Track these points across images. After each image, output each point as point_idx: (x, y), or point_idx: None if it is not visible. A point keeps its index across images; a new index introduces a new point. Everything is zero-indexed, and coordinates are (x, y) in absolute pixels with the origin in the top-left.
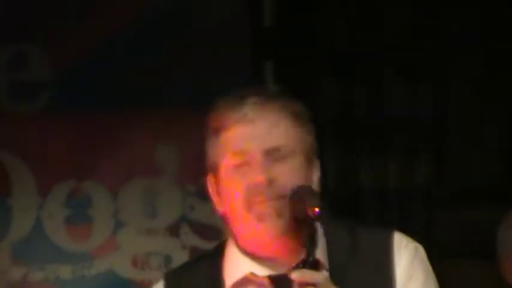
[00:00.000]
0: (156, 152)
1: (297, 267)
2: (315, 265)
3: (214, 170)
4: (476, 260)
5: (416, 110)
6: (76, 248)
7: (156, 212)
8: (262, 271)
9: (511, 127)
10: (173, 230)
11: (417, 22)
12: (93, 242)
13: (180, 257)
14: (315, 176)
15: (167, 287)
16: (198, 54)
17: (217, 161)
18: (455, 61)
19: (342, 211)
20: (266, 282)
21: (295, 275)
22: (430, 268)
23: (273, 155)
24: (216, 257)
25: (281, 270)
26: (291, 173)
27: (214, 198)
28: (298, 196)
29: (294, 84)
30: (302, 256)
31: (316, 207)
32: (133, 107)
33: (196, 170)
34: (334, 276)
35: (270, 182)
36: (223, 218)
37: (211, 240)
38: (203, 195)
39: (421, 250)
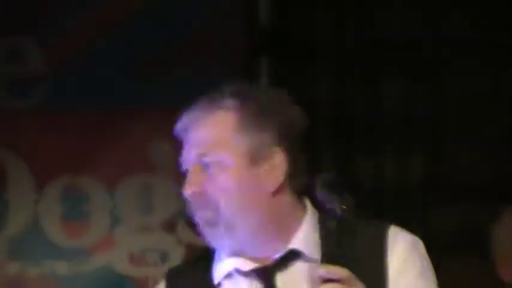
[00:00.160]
0: (153, 148)
1: (321, 262)
2: (337, 260)
3: None
4: (472, 258)
5: (413, 108)
6: (72, 244)
7: (152, 208)
8: (246, 265)
9: (507, 126)
10: (169, 226)
11: (415, 20)
12: (90, 238)
13: (177, 253)
14: (272, 176)
15: (168, 286)
16: (191, 52)
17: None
18: (453, 60)
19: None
20: (250, 276)
21: (320, 271)
22: (426, 263)
23: (203, 167)
24: (211, 254)
25: (265, 263)
26: (221, 188)
27: None
28: (327, 188)
29: (288, 81)
30: (285, 245)
31: (345, 203)
32: (130, 103)
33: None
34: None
35: (198, 196)
36: None
37: None
38: None
39: (418, 244)
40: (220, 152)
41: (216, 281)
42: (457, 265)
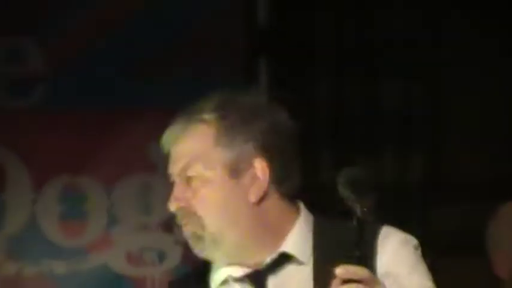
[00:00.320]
0: (151, 148)
1: (341, 262)
2: (359, 261)
3: None
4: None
5: (412, 108)
6: (70, 243)
7: (150, 208)
8: (239, 271)
9: (507, 126)
10: (167, 226)
11: (415, 20)
12: (88, 237)
13: (174, 253)
14: (254, 187)
15: None
16: (191, 52)
17: None
18: (453, 60)
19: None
20: (244, 281)
21: (339, 271)
22: (418, 259)
23: (186, 179)
24: (209, 264)
25: (258, 267)
26: (204, 201)
27: None
28: (348, 187)
29: (287, 81)
30: (276, 249)
31: (365, 206)
32: (130, 103)
33: None
34: (317, 269)
35: (181, 210)
36: None
37: None
38: None
39: (409, 241)
40: (201, 166)
41: None
42: (457, 265)
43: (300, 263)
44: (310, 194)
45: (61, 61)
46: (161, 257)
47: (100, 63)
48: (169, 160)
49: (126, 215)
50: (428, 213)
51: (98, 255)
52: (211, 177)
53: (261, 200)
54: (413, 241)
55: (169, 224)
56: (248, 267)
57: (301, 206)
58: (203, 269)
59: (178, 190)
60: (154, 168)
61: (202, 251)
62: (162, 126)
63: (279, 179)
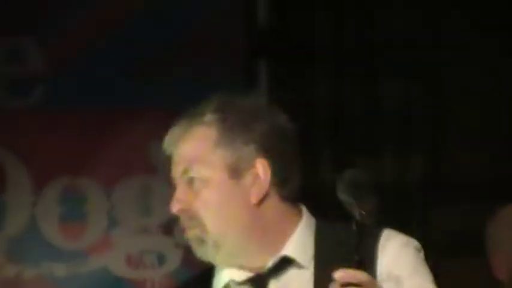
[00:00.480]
0: (151, 150)
1: (341, 266)
2: (358, 265)
3: None
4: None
5: (412, 108)
6: (70, 245)
7: (150, 210)
8: (241, 275)
9: (507, 126)
10: (168, 228)
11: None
12: (88, 239)
13: (174, 255)
14: (255, 187)
15: None
16: (191, 52)
17: None
18: (453, 60)
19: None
20: (246, 286)
21: (338, 275)
22: (419, 261)
23: (188, 181)
24: (212, 268)
25: (260, 271)
26: (205, 202)
27: None
28: (348, 189)
29: (287, 82)
30: (277, 252)
31: (365, 209)
32: (130, 103)
33: None
34: (318, 273)
35: (183, 212)
36: None
37: None
38: None
39: (410, 244)
40: (202, 168)
41: None
42: (457, 265)
43: (300, 266)
44: (310, 195)
45: (61, 61)
46: (161, 259)
47: (100, 63)
48: (172, 163)
49: (126, 217)
50: (428, 214)
51: (97, 258)
52: (212, 178)
53: (262, 201)
54: (414, 243)
55: (169, 227)
56: (250, 271)
57: (304, 209)
58: (207, 274)
59: (180, 192)
60: (155, 170)
61: (204, 254)
62: (162, 126)
63: (279, 181)
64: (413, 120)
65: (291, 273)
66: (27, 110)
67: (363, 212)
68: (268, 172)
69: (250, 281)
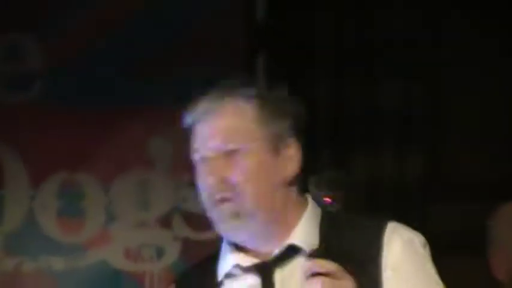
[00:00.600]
0: (149, 144)
1: (309, 255)
2: (331, 255)
3: (194, 164)
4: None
5: (412, 108)
6: (68, 239)
7: (148, 204)
8: (247, 261)
9: (507, 126)
10: (165, 222)
11: (414, 20)
12: (86, 233)
13: (173, 249)
14: (289, 165)
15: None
16: (191, 52)
17: (192, 156)
18: (453, 60)
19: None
20: (251, 272)
21: (307, 265)
22: (424, 258)
23: (225, 154)
24: (216, 254)
25: (266, 258)
26: (245, 172)
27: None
28: (319, 182)
29: (287, 82)
30: (284, 239)
31: (328, 196)
32: (130, 103)
33: (189, 162)
34: None
35: (221, 182)
36: None
37: (203, 231)
38: (196, 187)
39: (415, 239)
40: (243, 139)
41: (219, 278)
42: (457, 265)
43: (306, 256)
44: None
45: (61, 61)
46: (159, 253)
47: (100, 63)
48: (201, 135)
49: (124, 211)
50: (428, 214)
51: (96, 252)
52: (253, 150)
53: (289, 183)
54: (419, 238)
55: (167, 220)
56: (256, 257)
57: (309, 198)
58: (211, 259)
59: (217, 163)
60: (152, 165)
61: (231, 229)
62: (162, 125)
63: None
64: (413, 120)
65: (297, 262)
66: (26, 106)
67: (327, 200)
68: (300, 154)
69: (255, 267)
